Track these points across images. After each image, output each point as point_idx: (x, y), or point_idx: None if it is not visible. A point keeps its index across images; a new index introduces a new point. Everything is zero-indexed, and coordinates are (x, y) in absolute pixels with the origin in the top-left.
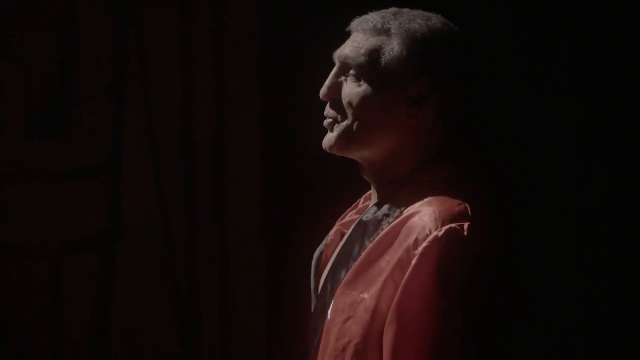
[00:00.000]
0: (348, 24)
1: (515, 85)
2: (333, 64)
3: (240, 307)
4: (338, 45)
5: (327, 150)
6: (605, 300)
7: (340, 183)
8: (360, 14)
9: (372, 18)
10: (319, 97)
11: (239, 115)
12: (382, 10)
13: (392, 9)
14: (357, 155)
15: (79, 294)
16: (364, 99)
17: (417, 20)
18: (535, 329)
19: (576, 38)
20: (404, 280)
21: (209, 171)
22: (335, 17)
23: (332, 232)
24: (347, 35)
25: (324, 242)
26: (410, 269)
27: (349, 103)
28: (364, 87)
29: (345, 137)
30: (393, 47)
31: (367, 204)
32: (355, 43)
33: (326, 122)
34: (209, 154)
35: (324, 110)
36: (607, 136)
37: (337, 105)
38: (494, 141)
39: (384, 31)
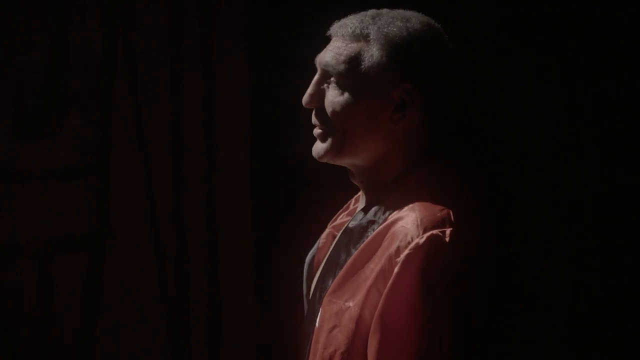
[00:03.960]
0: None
1: (509, 83)
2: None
3: (230, 308)
4: (322, 47)
5: (317, 159)
6: (606, 301)
7: (332, 182)
8: (344, 16)
9: (351, 23)
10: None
11: (229, 115)
12: (361, 13)
13: (371, 12)
14: (346, 163)
15: (68, 293)
16: (347, 108)
17: (396, 23)
18: (533, 330)
19: (574, 36)
20: (386, 289)
21: (199, 171)
22: (324, 16)
23: (324, 235)
24: (328, 39)
25: (315, 246)
26: (392, 277)
27: (333, 112)
28: (346, 96)
29: (333, 149)
30: (372, 54)
31: (358, 205)
32: (335, 50)
33: (315, 131)
34: (199, 154)
35: (312, 111)
36: (605, 135)
37: (322, 113)
38: (487, 140)
39: (363, 37)
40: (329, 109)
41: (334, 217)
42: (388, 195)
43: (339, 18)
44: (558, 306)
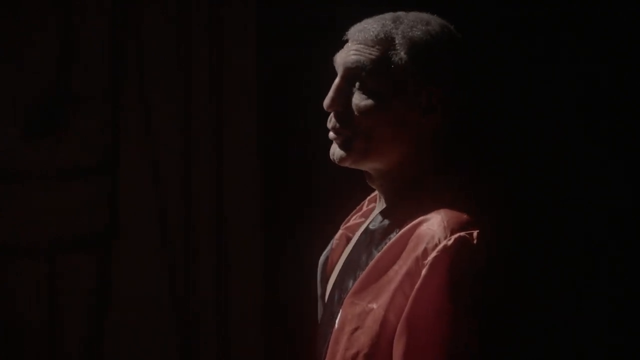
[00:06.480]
0: (344, 23)
1: (521, 86)
2: (330, 63)
3: (239, 309)
4: (335, 45)
5: (338, 163)
6: (606, 301)
7: (340, 183)
8: (354, 15)
9: (372, 27)
10: (315, 96)
11: (237, 114)
12: (380, 17)
13: (390, 15)
14: (369, 167)
15: (75, 293)
16: (375, 113)
17: (418, 26)
18: (533, 330)
19: (574, 36)
20: (414, 291)
21: (208, 171)
22: (332, 16)
23: (337, 236)
24: (344, 42)
25: (329, 247)
26: (420, 280)
27: (360, 116)
28: (373, 100)
29: (358, 153)
30: (400, 57)
31: (372, 207)
32: (359, 54)
33: (332, 135)
34: (207, 153)
35: (322, 109)
36: (605, 135)
37: (344, 117)
38: (487, 140)
39: (388, 41)
40: (355, 112)
41: (347, 219)
42: (409, 197)
43: (346, 18)
44: (558, 306)
